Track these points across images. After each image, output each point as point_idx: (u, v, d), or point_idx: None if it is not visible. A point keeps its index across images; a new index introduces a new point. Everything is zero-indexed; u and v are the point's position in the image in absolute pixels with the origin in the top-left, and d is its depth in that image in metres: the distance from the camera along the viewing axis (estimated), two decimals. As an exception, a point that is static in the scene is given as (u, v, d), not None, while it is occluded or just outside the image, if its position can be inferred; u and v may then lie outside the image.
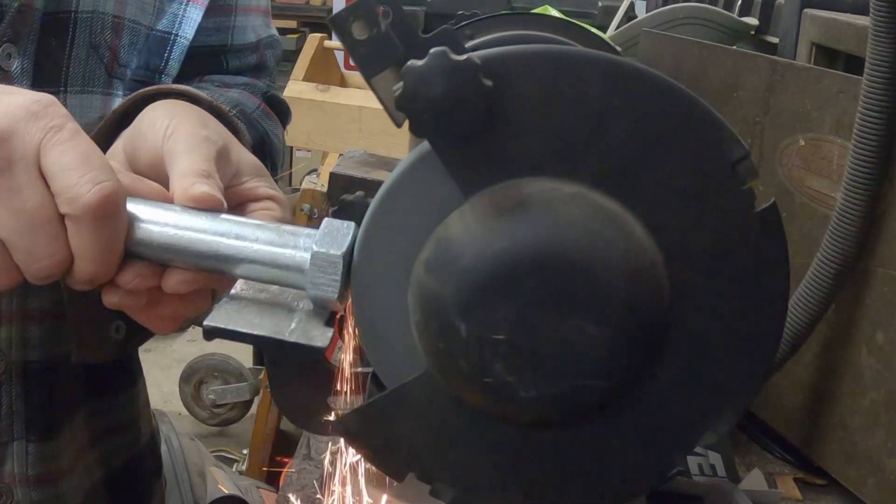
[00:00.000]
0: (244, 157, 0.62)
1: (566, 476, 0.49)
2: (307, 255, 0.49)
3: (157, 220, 0.51)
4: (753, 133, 0.85)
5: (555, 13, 1.31)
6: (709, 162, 0.44)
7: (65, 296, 0.63)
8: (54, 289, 0.60)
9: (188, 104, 0.65)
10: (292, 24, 4.85)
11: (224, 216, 0.52)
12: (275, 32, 0.98)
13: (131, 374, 0.92)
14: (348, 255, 0.48)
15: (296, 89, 2.10)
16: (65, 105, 0.65)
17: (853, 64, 0.87)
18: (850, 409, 0.76)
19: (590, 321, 0.43)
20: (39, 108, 0.51)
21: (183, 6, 0.83)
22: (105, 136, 0.64)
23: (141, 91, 0.66)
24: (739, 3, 1.35)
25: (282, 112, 0.95)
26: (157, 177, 0.58)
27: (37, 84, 0.73)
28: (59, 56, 0.74)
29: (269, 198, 0.60)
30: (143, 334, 0.82)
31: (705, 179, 0.45)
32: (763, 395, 0.86)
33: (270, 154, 0.88)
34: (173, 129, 0.59)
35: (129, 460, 0.92)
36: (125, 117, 0.63)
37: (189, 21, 0.84)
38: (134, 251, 0.52)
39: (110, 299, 0.54)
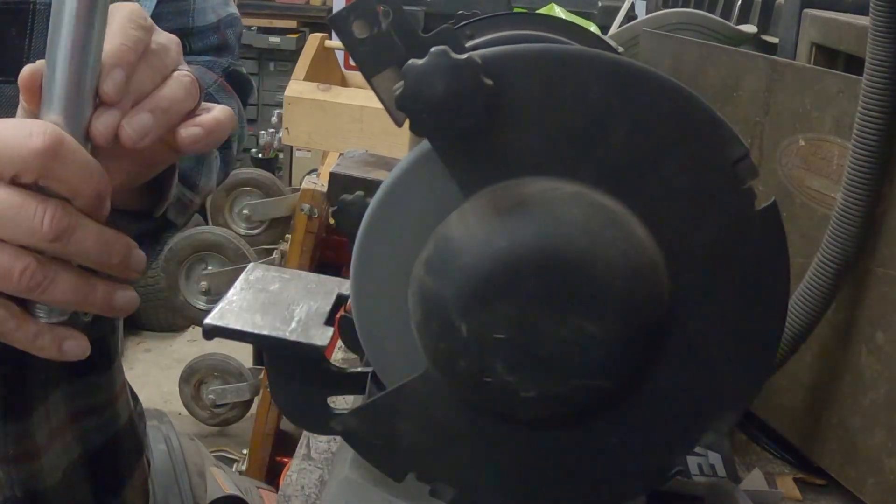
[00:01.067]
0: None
1: (566, 476, 0.49)
2: None
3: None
4: (753, 133, 0.85)
5: (561, 13, 1.31)
6: (709, 161, 0.44)
7: None
8: None
9: None
10: (292, 24, 4.85)
11: None
12: (234, 10, 0.98)
13: (107, 357, 0.93)
14: None
15: (296, 89, 2.10)
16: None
17: (853, 64, 0.87)
18: (850, 409, 0.76)
19: (590, 321, 0.43)
20: None
21: None
22: None
23: None
24: (739, 2, 1.35)
25: (242, 86, 0.95)
26: None
27: None
28: (18, 46, 0.75)
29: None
30: (108, 318, 0.83)
31: (705, 179, 0.45)
32: (763, 395, 0.85)
33: None
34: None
35: (108, 440, 0.92)
36: None
37: (144, 6, 0.84)
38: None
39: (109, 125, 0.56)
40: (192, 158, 0.82)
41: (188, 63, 0.90)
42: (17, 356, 0.79)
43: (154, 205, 0.72)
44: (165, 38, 0.62)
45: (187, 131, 0.59)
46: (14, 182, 0.53)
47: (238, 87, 0.94)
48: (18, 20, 0.75)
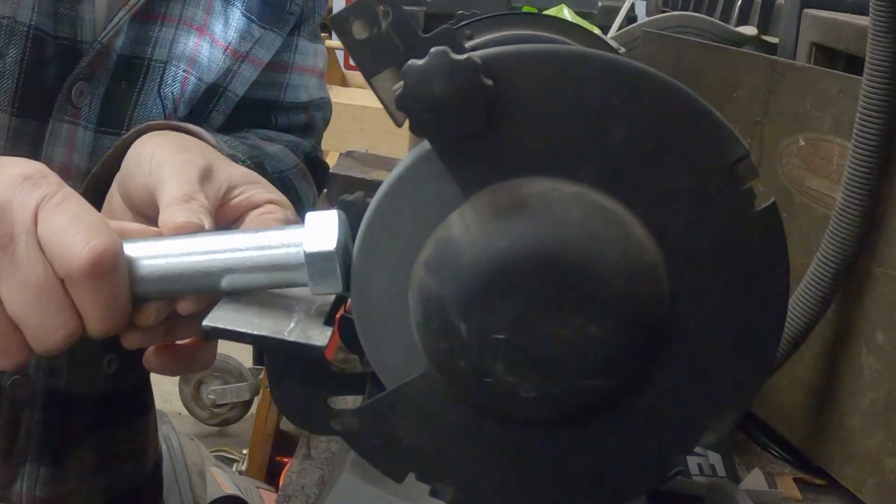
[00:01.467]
0: (234, 170, 0.61)
1: (566, 476, 0.49)
2: (299, 251, 0.48)
3: (150, 255, 0.51)
4: (753, 133, 0.85)
5: (569, 16, 1.31)
6: (709, 161, 0.44)
7: None
8: None
9: (173, 133, 0.64)
10: (292, 24, 4.85)
11: (207, 233, 0.52)
12: (327, 95, 0.98)
13: (144, 404, 0.94)
14: (341, 244, 0.48)
15: (297, 89, 2.10)
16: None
17: (853, 64, 0.87)
18: (850, 409, 0.76)
19: (590, 321, 0.43)
20: (36, 178, 0.50)
21: (238, 62, 0.82)
22: (105, 173, 0.63)
23: (136, 128, 0.65)
24: (739, 3, 1.35)
25: (319, 175, 0.94)
26: (153, 213, 0.57)
27: (101, 123, 0.74)
28: (126, 100, 0.75)
29: (269, 202, 0.59)
30: (136, 370, 0.83)
31: (705, 179, 0.45)
32: (763, 395, 0.86)
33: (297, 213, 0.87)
34: (157, 161, 0.58)
35: (132, 488, 0.92)
36: (125, 152, 0.63)
37: (241, 78, 0.84)
38: (139, 293, 0.51)
39: (132, 342, 0.53)
40: None
41: (271, 138, 0.88)
42: (64, 401, 0.80)
43: None
44: None
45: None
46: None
47: (315, 173, 0.93)
48: (131, 74, 0.75)
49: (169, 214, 0.53)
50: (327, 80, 2.22)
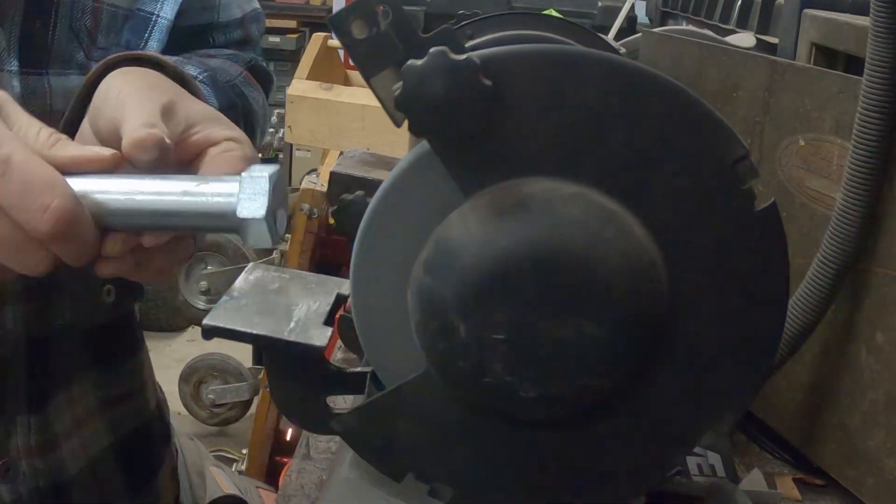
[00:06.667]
0: (195, 107, 0.62)
1: (566, 476, 0.49)
2: (234, 200, 0.52)
3: (111, 190, 0.54)
4: (753, 133, 0.85)
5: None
6: (708, 162, 0.44)
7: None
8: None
9: (140, 69, 0.66)
10: (292, 23, 4.85)
11: (162, 176, 0.54)
12: (258, 6, 0.99)
13: (133, 345, 0.95)
14: (272, 207, 0.51)
15: (299, 88, 2.11)
16: (48, 86, 0.68)
17: (853, 64, 0.87)
18: (850, 409, 0.76)
19: (589, 321, 0.43)
20: None
21: None
22: (78, 111, 0.65)
23: (102, 62, 0.67)
24: (739, 3, 1.35)
25: (265, 81, 0.96)
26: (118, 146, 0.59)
27: (23, 64, 0.74)
28: (42, 38, 0.75)
29: (228, 139, 0.61)
30: (133, 294, 0.85)
31: (705, 179, 0.45)
32: (763, 395, 0.85)
33: (250, 119, 0.89)
34: (122, 97, 0.60)
35: (138, 427, 0.93)
36: (94, 88, 0.64)
37: (170, 2, 0.85)
38: (104, 224, 0.54)
39: (104, 271, 0.57)
40: None
41: (211, 56, 0.91)
42: (45, 347, 0.80)
43: None
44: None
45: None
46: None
47: (260, 80, 0.95)
48: (42, 12, 0.76)
49: (130, 132, 0.56)
50: (330, 79, 2.23)
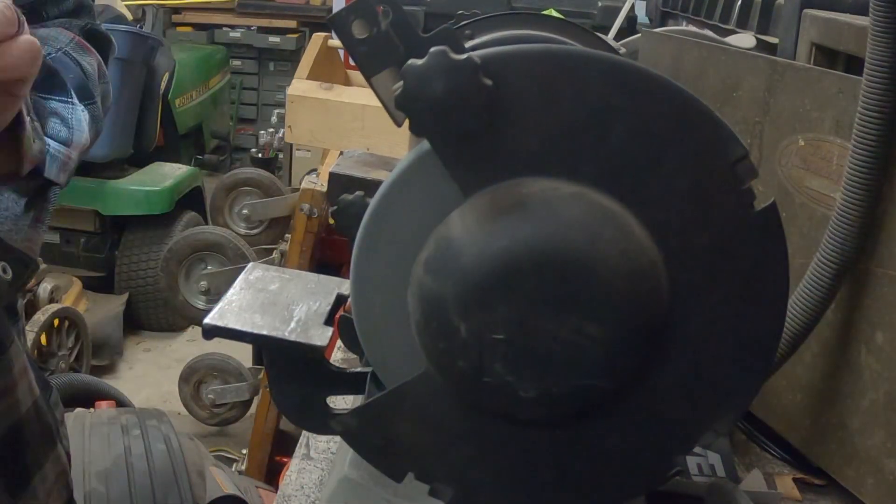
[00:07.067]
0: None
1: (566, 476, 0.49)
2: None
3: None
4: (753, 133, 0.85)
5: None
6: (708, 162, 0.44)
7: None
8: None
9: None
10: (292, 24, 4.86)
11: None
12: None
13: (1, 341, 0.87)
14: None
15: (299, 88, 2.11)
16: None
17: (853, 64, 0.87)
18: (850, 409, 0.76)
19: (589, 321, 0.43)
20: None
21: None
22: None
23: None
24: (739, 3, 1.35)
25: (102, 44, 0.92)
26: None
27: None
28: None
29: None
30: (26, 275, 0.80)
31: (705, 179, 0.45)
32: (763, 395, 0.85)
33: (86, 83, 0.86)
34: None
35: (6, 429, 0.87)
36: None
37: None
38: None
39: None
40: (55, 117, 0.80)
41: (43, 27, 0.88)
42: None
43: (19, 165, 0.70)
44: None
45: None
46: None
47: (98, 45, 0.91)
48: None
49: None
50: (330, 79, 2.22)
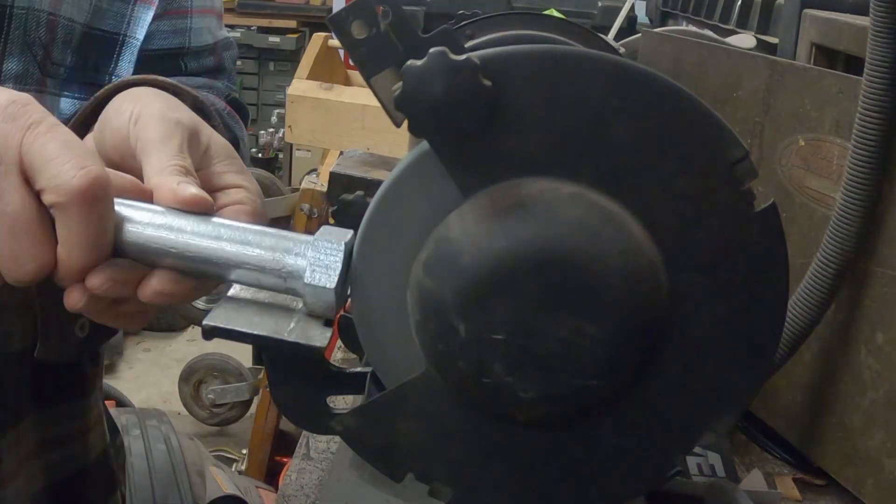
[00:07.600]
0: (215, 138, 0.60)
1: (565, 476, 0.49)
2: (304, 263, 0.48)
3: (149, 222, 0.51)
4: (753, 133, 0.85)
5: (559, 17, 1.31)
6: (708, 162, 0.44)
7: (32, 290, 0.61)
8: (16, 288, 0.57)
9: (154, 90, 0.64)
10: (292, 23, 4.86)
11: (218, 220, 0.51)
12: (228, 34, 0.97)
13: (83, 385, 0.89)
14: (346, 264, 0.48)
15: (300, 87, 2.11)
16: None
17: (853, 64, 0.87)
18: (850, 409, 0.76)
19: (589, 321, 0.43)
20: (16, 109, 0.50)
21: (130, 6, 0.81)
22: (78, 130, 0.62)
23: (113, 83, 0.65)
24: (739, 3, 1.35)
25: (242, 113, 0.94)
26: (123, 161, 0.56)
27: None
28: None
29: (238, 186, 0.58)
30: (107, 333, 0.81)
31: (705, 179, 0.45)
32: (763, 395, 0.85)
33: (242, 155, 0.87)
34: (139, 112, 0.57)
35: (75, 474, 0.88)
36: (101, 108, 0.62)
37: (139, 21, 0.82)
38: (122, 251, 0.51)
39: (73, 301, 0.52)
40: None
41: (185, 83, 0.89)
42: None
43: None
44: None
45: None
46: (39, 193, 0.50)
47: (240, 114, 0.92)
48: None
49: (173, 184, 0.52)
50: (330, 78, 2.22)
